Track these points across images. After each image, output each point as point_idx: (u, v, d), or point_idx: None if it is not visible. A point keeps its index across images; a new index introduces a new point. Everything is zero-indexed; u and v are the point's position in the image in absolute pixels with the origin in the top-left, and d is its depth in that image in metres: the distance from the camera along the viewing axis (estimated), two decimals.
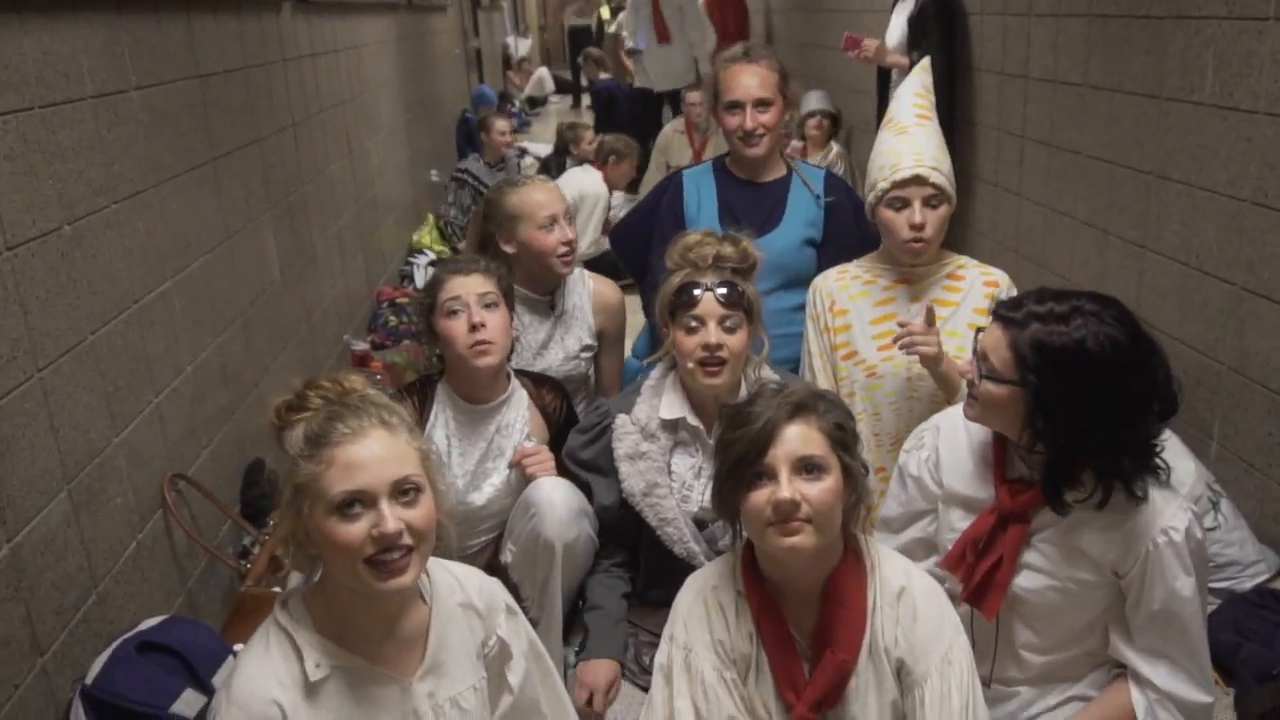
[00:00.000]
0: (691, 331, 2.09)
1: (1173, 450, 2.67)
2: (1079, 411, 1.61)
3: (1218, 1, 2.70)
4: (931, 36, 4.19)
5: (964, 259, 2.50)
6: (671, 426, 2.16)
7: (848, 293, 2.51)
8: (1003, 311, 1.71)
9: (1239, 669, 2.24)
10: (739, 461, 1.58)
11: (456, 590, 1.58)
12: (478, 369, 2.25)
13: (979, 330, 1.79)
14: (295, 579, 1.55)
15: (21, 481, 1.70)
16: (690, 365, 2.09)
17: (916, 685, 1.55)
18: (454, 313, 2.23)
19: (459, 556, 2.27)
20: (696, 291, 2.09)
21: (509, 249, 2.69)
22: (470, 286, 2.25)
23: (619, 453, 2.14)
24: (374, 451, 1.40)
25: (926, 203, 2.33)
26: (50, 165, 1.87)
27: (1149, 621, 1.68)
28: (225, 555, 2.44)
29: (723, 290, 2.09)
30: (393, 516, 1.38)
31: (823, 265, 2.78)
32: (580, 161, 6.30)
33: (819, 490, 1.53)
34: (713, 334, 2.07)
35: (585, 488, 2.20)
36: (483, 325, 2.21)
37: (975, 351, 1.73)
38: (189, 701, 1.76)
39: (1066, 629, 1.76)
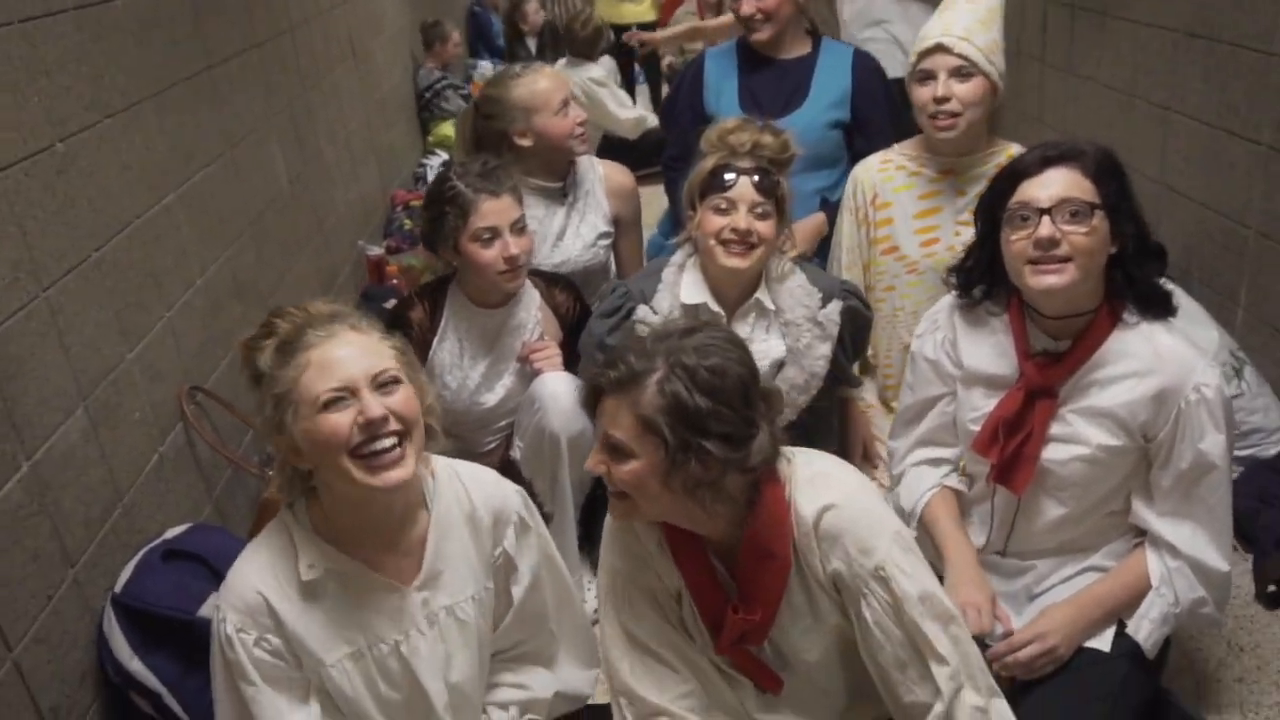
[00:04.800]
0: (721, 213, 2.05)
1: (1194, 317, 2.64)
2: (1132, 215, 1.68)
3: None
4: None
5: (1015, 147, 2.41)
6: (692, 312, 2.13)
7: (891, 184, 2.44)
8: (1048, 155, 1.69)
9: (1258, 534, 2.24)
10: (585, 411, 1.57)
11: (464, 500, 1.58)
12: (508, 291, 2.26)
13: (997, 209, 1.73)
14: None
15: (36, 401, 1.73)
16: (712, 243, 2.06)
17: (852, 604, 1.49)
18: (488, 240, 2.20)
19: (472, 456, 2.30)
20: (730, 176, 2.05)
21: (525, 142, 2.63)
22: (504, 214, 2.21)
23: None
24: (349, 349, 1.42)
25: (954, 74, 2.25)
26: (35, 82, 1.84)
27: (1176, 482, 1.67)
28: (250, 463, 2.48)
29: (758, 177, 2.04)
30: (375, 403, 1.40)
31: (857, 147, 2.70)
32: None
33: (619, 473, 1.45)
34: (743, 219, 2.03)
35: None
36: (517, 255, 2.21)
37: (1038, 211, 1.64)
38: (215, 604, 1.80)
39: (1091, 498, 1.76)
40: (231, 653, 1.45)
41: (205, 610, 1.79)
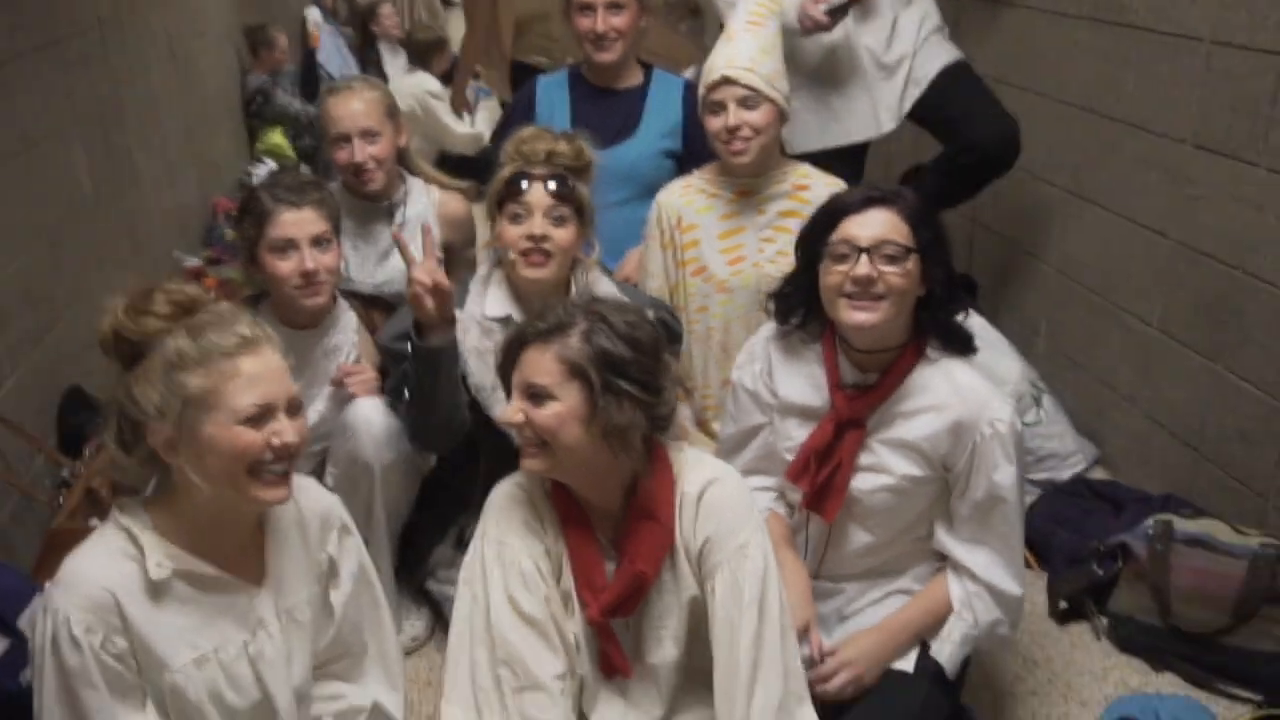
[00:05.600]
0: (516, 221, 2.06)
1: (998, 348, 2.79)
2: (945, 258, 1.76)
3: None
4: None
5: (807, 168, 2.49)
6: (504, 322, 2.12)
7: (693, 207, 2.47)
8: (871, 196, 1.74)
9: (1052, 555, 2.38)
10: (499, 377, 1.66)
11: (291, 506, 1.56)
12: (305, 308, 2.17)
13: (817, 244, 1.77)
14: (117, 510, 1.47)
15: None
16: (514, 256, 2.06)
17: (709, 576, 1.57)
18: (283, 251, 2.10)
19: None
20: (524, 183, 2.06)
21: None
22: (303, 226, 2.11)
23: (466, 346, 2.09)
24: (274, 365, 1.43)
25: (742, 104, 2.31)
26: None
27: (972, 511, 1.75)
28: (39, 491, 2.30)
29: (552, 183, 2.05)
30: (290, 429, 1.42)
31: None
32: (391, 46, 5.91)
33: (541, 416, 1.54)
34: (538, 224, 2.04)
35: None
36: (315, 270, 2.11)
37: (858, 250, 1.69)
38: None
39: (896, 526, 1.83)
40: (76, 656, 1.33)
41: None
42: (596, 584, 1.59)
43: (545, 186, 2.05)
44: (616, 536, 1.62)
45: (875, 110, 2.87)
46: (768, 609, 1.54)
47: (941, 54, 2.85)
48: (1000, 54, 3.05)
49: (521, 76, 3.65)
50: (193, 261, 3.91)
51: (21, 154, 2.55)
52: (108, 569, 1.38)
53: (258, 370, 1.40)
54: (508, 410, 1.58)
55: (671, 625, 1.62)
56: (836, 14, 2.70)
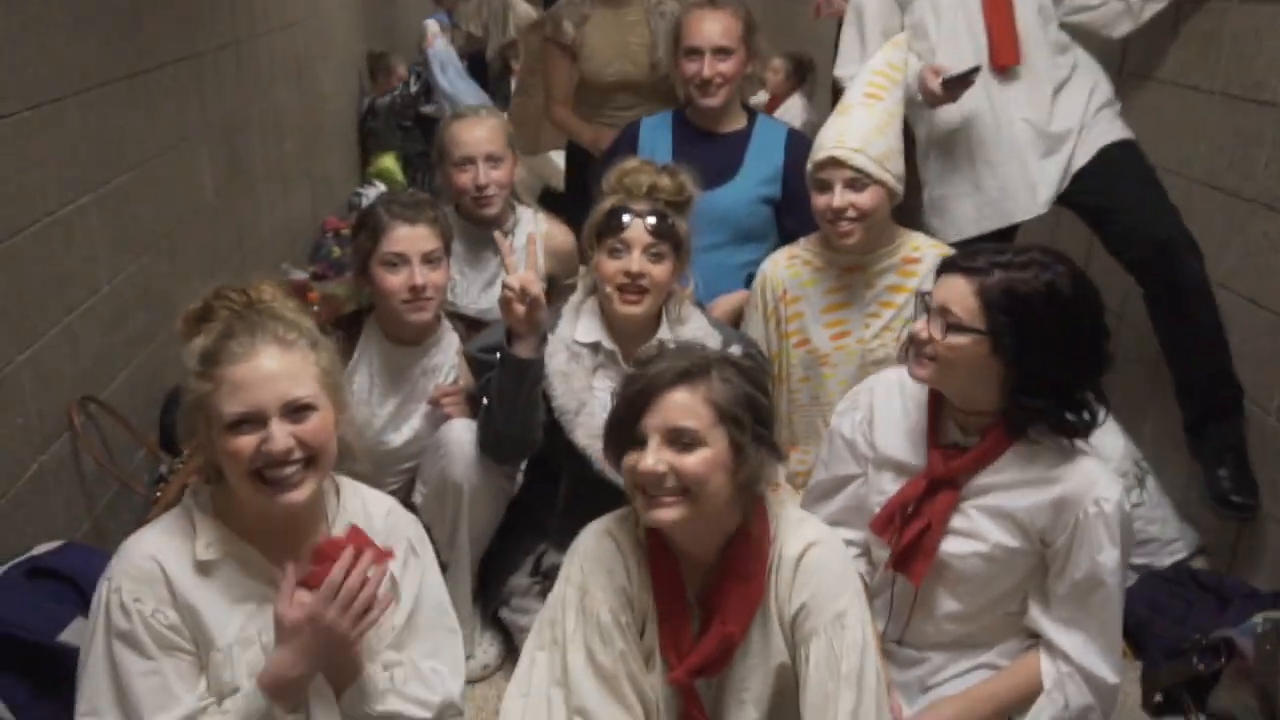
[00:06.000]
0: (615, 255, 2.08)
1: (1103, 424, 2.68)
2: (1043, 353, 1.62)
3: None
4: None
5: (919, 238, 2.43)
6: (593, 348, 2.15)
7: (799, 280, 2.44)
8: (960, 262, 1.70)
9: (1149, 644, 2.27)
10: (617, 422, 1.55)
11: (360, 516, 1.57)
12: (410, 324, 2.21)
13: (921, 293, 1.76)
14: None
15: None
16: (609, 290, 2.08)
17: (803, 643, 1.52)
18: (394, 265, 2.15)
19: None
20: (625, 217, 2.07)
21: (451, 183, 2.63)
22: (416, 242, 2.16)
23: (552, 367, 2.10)
24: (264, 371, 1.40)
25: (850, 185, 2.25)
26: None
27: (1070, 591, 1.68)
28: (138, 483, 2.36)
29: (652, 219, 2.06)
30: (281, 434, 1.39)
31: (784, 227, 2.72)
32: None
33: (689, 463, 1.46)
34: (636, 261, 2.05)
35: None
36: (423, 287, 2.15)
37: (928, 308, 1.70)
38: (79, 630, 1.69)
39: (987, 596, 1.77)
40: (125, 621, 1.37)
41: (67, 635, 1.68)
42: (683, 646, 1.55)
43: (645, 223, 2.06)
44: (704, 590, 1.58)
45: (1034, 188, 2.60)
46: (865, 683, 1.49)
47: (1110, 131, 2.60)
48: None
49: (577, 156, 3.46)
50: (299, 275, 4.01)
51: (155, 158, 2.66)
52: (161, 544, 1.43)
53: (242, 379, 1.38)
54: (646, 460, 1.47)
55: (755, 688, 1.58)
56: (955, 86, 2.48)
